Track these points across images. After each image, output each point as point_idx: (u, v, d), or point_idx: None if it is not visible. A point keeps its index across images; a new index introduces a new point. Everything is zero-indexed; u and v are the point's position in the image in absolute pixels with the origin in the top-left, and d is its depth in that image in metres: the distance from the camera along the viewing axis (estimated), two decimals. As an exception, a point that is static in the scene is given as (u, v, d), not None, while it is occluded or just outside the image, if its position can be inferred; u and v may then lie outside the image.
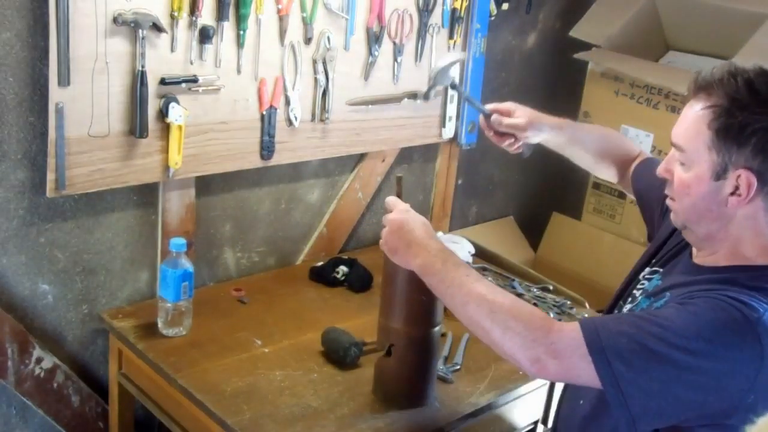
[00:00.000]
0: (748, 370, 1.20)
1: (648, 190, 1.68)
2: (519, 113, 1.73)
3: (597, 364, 1.22)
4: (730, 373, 1.20)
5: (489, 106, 1.76)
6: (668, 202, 1.39)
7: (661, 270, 1.48)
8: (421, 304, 1.58)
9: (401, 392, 1.66)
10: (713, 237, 1.33)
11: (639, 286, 1.49)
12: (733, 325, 1.20)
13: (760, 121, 1.23)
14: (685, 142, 1.30)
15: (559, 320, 2.07)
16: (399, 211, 1.50)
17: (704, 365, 1.20)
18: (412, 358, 1.63)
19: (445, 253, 1.42)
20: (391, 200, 1.55)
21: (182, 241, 1.81)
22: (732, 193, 1.27)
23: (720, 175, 1.27)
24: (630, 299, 1.49)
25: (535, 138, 1.75)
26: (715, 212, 1.30)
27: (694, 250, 1.42)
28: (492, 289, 1.35)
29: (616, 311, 1.54)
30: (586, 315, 2.15)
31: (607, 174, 1.86)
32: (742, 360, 1.20)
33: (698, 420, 1.25)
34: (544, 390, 1.92)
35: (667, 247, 1.53)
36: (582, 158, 1.85)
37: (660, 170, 1.38)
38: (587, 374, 1.23)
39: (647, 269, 1.53)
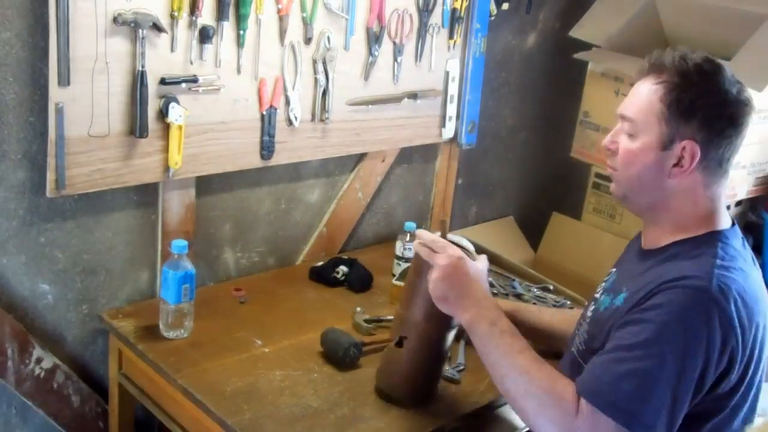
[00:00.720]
0: (725, 331, 1.28)
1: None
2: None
3: (619, 419, 1.28)
4: (713, 344, 1.28)
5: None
6: (610, 172, 1.48)
7: (615, 269, 1.56)
8: None
9: (405, 387, 1.65)
10: (654, 206, 1.42)
11: (598, 289, 1.55)
12: (693, 303, 1.28)
13: (707, 97, 1.35)
14: (635, 113, 1.40)
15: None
16: (451, 257, 1.48)
17: (692, 349, 1.27)
18: (423, 355, 1.62)
19: (495, 314, 1.45)
20: (441, 243, 1.52)
21: (183, 242, 1.81)
22: (675, 165, 1.37)
23: (667, 145, 1.37)
24: (593, 302, 1.53)
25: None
26: (657, 182, 1.39)
27: (642, 238, 1.49)
28: (531, 365, 1.38)
29: (581, 319, 1.57)
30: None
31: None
32: (715, 329, 1.28)
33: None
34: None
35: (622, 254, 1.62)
36: (550, 342, 1.77)
37: (605, 142, 1.47)
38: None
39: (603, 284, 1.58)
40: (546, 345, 1.74)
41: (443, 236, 1.60)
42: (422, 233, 1.56)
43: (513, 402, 1.40)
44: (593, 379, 1.32)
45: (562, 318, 1.81)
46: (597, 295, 1.54)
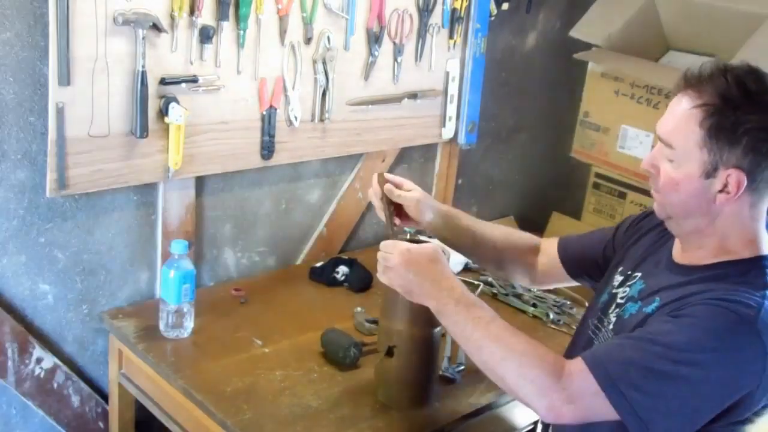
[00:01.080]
0: (755, 367, 1.22)
1: (586, 258, 1.69)
2: (409, 186, 1.68)
3: (613, 399, 1.23)
4: (739, 375, 1.22)
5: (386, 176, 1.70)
6: (654, 195, 1.39)
7: (639, 274, 1.48)
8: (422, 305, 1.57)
9: (404, 394, 1.66)
10: (700, 231, 1.35)
11: (621, 294, 1.48)
12: (732, 328, 1.22)
13: (752, 120, 1.23)
14: (675, 140, 1.30)
15: (559, 321, 2.10)
16: (400, 253, 1.46)
17: (714, 374, 1.21)
18: (415, 358, 1.63)
19: (457, 292, 1.41)
20: (387, 244, 1.51)
21: (184, 243, 1.81)
22: (720, 190, 1.28)
23: (710, 173, 1.27)
24: (615, 308, 1.47)
25: (423, 216, 1.68)
26: (703, 208, 1.31)
27: (675, 249, 1.43)
28: (504, 331, 1.34)
29: (597, 321, 1.52)
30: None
31: (516, 272, 1.78)
32: (746, 359, 1.22)
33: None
34: (544, 390, 1.92)
35: (634, 253, 1.54)
36: (481, 251, 1.75)
37: (645, 164, 1.39)
38: (605, 411, 1.24)
39: (617, 276, 1.53)
40: (474, 254, 1.76)
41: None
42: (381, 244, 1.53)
43: (492, 371, 1.34)
44: (604, 353, 1.28)
45: (494, 229, 1.78)
46: (619, 299, 1.47)
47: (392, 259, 1.47)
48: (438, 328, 1.63)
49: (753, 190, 1.28)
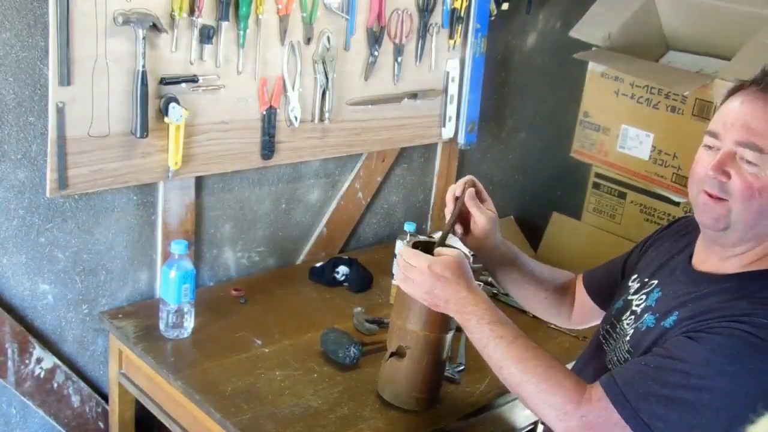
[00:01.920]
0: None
1: (610, 281, 1.66)
2: (490, 206, 1.66)
3: (636, 430, 1.23)
4: (756, 386, 1.21)
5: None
6: (711, 202, 1.30)
7: (656, 281, 1.45)
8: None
9: (413, 395, 1.64)
10: (761, 235, 1.30)
11: (636, 302, 1.46)
12: (751, 352, 1.20)
13: None
14: (762, 142, 1.23)
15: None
16: (423, 270, 1.44)
17: (735, 398, 1.20)
18: (427, 360, 1.60)
19: (481, 308, 1.41)
20: (408, 253, 1.48)
21: (184, 243, 1.81)
22: None
23: None
24: (630, 315, 1.45)
25: (490, 240, 1.64)
26: None
27: (695, 257, 1.40)
28: (525, 352, 1.34)
29: (609, 327, 1.51)
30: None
31: (555, 310, 1.75)
32: (765, 374, 1.20)
33: None
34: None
35: (649, 260, 1.52)
36: (526, 284, 1.72)
37: (715, 169, 1.28)
38: None
39: (634, 285, 1.51)
40: (518, 292, 1.72)
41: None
42: (403, 250, 1.51)
43: (513, 390, 1.37)
44: (624, 381, 1.26)
45: (544, 269, 1.76)
46: (634, 307, 1.46)
47: (415, 275, 1.45)
48: (451, 332, 1.61)
49: None
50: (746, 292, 1.27)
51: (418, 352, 1.59)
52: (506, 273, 1.70)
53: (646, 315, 1.40)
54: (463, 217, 1.63)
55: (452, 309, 1.44)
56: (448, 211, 1.63)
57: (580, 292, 1.73)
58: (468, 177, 1.65)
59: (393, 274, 2.23)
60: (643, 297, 1.45)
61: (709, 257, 1.37)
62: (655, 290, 1.44)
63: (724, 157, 1.28)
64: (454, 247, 1.56)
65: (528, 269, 1.71)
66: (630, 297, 1.49)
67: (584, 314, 1.73)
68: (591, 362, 1.55)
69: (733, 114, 1.28)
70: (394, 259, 2.24)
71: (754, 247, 1.32)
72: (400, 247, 2.23)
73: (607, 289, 1.66)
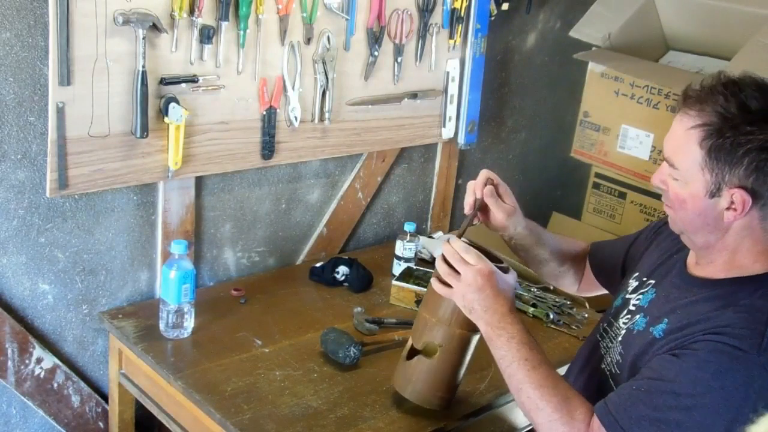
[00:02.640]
0: (758, 384, 1.22)
1: (606, 261, 1.71)
2: (509, 199, 1.66)
3: None
4: (751, 406, 1.22)
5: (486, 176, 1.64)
6: (665, 209, 1.39)
7: (653, 282, 1.47)
8: None
9: (438, 394, 1.60)
10: (711, 246, 1.34)
11: (633, 302, 1.48)
12: (735, 366, 1.22)
13: (752, 141, 1.21)
14: (676, 160, 1.30)
15: (559, 321, 2.10)
16: (482, 270, 1.44)
17: (724, 410, 1.22)
18: (458, 360, 1.58)
19: (516, 328, 1.42)
20: (473, 253, 1.47)
21: (184, 243, 1.81)
22: (728, 208, 1.27)
23: (714, 193, 1.27)
24: (626, 314, 1.48)
25: (509, 230, 1.66)
26: (711, 225, 1.31)
27: (689, 260, 1.42)
28: (545, 380, 1.37)
29: (606, 325, 1.54)
30: (586, 315, 2.15)
31: (567, 280, 1.80)
32: (756, 391, 1.22)
33: None
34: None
35: (650, 258, 1.54)
36: (544, 260, 1.76)
37: (655, 181, 1.38)
38: None
39: (632, 281, 1.53)
40: (542, 269, 1.77)
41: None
42: (455, 242, 1.49)
43: (526, 414, 1.40)
44: (617, 408, 1.29)
45: (562, 242, 1.80)
46: (631, 306, 1.47)
47: (467, 273, 1.44)
48: (479, 333, 1.57)
49: (761, 206, 1.27)
50: (732, 300, 1.29)
51: (450, 350, 1.56)
52: (528, 254, 1.73)
53: (637, 316, 1.43)
54: (484, 207, 1.64)
55: (486, 319, 1.44)
56: (468, 204, 1.63)
57: (586, 264, 1.77)
58: (486, 173, 1.64)
59: (393, 274, 2.23)
60: (640, 297, 1.47)
61: (700, 262, 1.40)
62: (650, 291, 1.46)
63: (662, 169, 1.35)
64: (495, 254, 1.57)
65: (549, 249, 1.73)
66: (628, 296, 1.51)
67: (589, 285, 1.78)
68: (588, 365, 1.56)
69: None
70: (394, 260, 2.24)
71: (727, 255, 1.33)
72: (400, 247, 2.23)
73: (608, 269, 1.70)
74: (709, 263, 1.36)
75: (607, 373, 1.46)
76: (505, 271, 1.51)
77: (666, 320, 1.35)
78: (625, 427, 1.27)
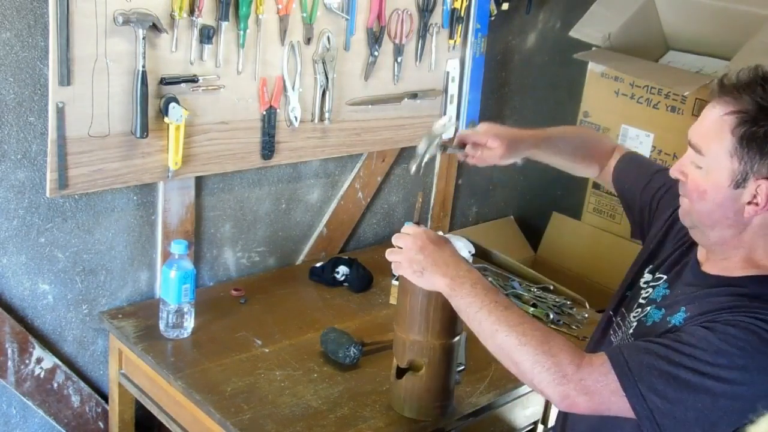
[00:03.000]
0: None
1: (633, 191, 1.65)
2: (492, 142, 1.64)
3: (631, 399, 1.21)
4: (762, 384, 1.20)
5: (462, 134, 1.68)
6: (681, 201, 1.36)
7: (665, 276, 1.45)
8: (449, 312, 1.48)
9: (436, 404, 1.61)
10: (726, 242, 1.31)
11: (644, 294, 1.46)
12: (764, 348, 1.19)
13: None
14: (705, 145, 1.27)
15: (559, 321, 2.10)
16: (415, 229, 1.44)
17: (739, 391, 1.19)
18: (445, 369, 1.59)
19: (475, 274, 1.38)
20: (409, 228, 1.47)
21: (184, 243, 1.81)
22: (749, 202, 1.25)
23: (739, 183, 1.24)
24: (637, 307, 1.45)
25: (513, 158, 1.70)
26: (730, 219, 1.28)
27: (700, 256, 1.39)
28: (522, 318, 1.31)
29: (619, 319, 1.51)
30: (586, 315, 2.15)
31: (585, 172, 1.81)
32: None
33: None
34: (544, 390, 1.92)
35: (665, 250, 1.51)
36: (559, 163, 1.79)
37: (673, 171, 1.35)
38: (620, 408, 1.23)
39: (647, 274, 1.50)
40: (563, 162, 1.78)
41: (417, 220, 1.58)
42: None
43: (506, 357, 1.30)
44: (629, 353, 1.24)
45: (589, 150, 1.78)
46: (642, 301, 1.45)
47: (406, 240, 1.43)
48: (459, 335, 1.59)
49: None
50: (759, 293, 1.26)
51: (435, 363, 1.56)
52: (552, 158, 1.77)
53: (650, 308, 1.40)
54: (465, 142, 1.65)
55: (440, 272, 1.38)
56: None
57: (609, 171, 1.73)
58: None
59: (393, 274, 2.23)
60: (650, 290, 1.45)
61: (712, 259, 1.37)
62: (662, 285, 1.43)
63: (684, 158, 1.32)
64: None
65: (568, 157, 1.77)
66: (641, 286, 1.48)
67: (606, 181, 1.77)
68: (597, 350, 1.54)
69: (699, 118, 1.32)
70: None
71: (744, 253, 1.31)
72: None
73: (627, 195, 1.67)
74: (723, 259, 1.33)
75: None
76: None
77: (683, 308, 1.32)
78: (633, 370, 1.21)
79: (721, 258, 1.33)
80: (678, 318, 1.31)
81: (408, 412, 1.62)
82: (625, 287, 1.56)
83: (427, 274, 1.40)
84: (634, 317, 1.44)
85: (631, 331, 1.42)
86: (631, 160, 1.72)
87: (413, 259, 1.42)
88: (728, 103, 1.24)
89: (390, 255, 1.46)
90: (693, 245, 1.43)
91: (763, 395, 1.20)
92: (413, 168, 1.60)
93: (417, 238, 1.43)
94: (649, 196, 1.60)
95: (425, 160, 1.60)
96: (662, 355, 1.22)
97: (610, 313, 1.56)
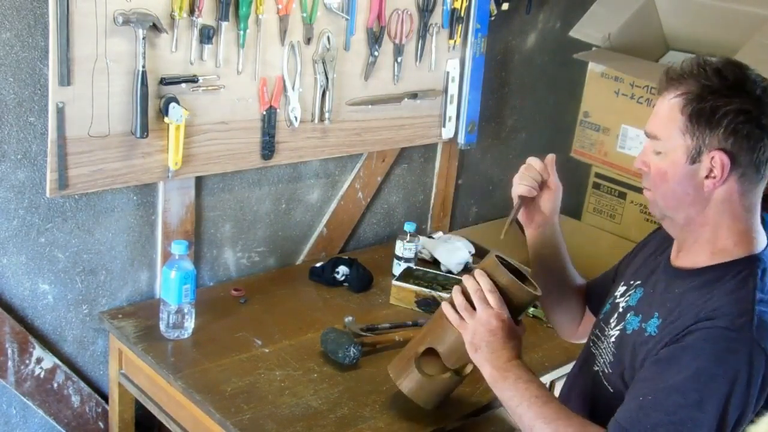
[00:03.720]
0: (758, 361, 1.23)
1: (599, 290, 1.68)
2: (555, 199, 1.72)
3: None
4: (755, 385, 1.23)
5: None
6: (645, 194, 1.42)
7: (639, 282, 1.49)
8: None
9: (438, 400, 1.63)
10: (693, 222, 1.35)
11: (622, 304, 1.48)
12: (735, 345, 1.23)
13: (730, 104, 1.27)
14: (659, 130, 1.34)
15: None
16: (499, 315, 1.45)
17: (732, 388, 1.22)
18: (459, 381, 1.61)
19: (521, 371, 1.42)
20: (495, 296, 1.46)
21: (184, 243, 1.81)
22: (707, 176, 1.30)
23: (695, 158, 1.30)
24: (616, 317, 1.48)
25: (539, 229, 1.72)
26: (691, 195, 1.33)
27: (672, 254, 1.43)
28: (558, 414, 1.36)
29: (597, 331, 1.53)
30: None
31: (567, 317, 1.76)
32: (758, 370, 1.23)
33: None
34: (544, 390, 1.92)
35: (635, 264, 1.56)
36: (554, 282, 1.71)
37: (637, 163, 1.41)
38: None
39: (621, 288, 1.53)
40: (557, 286, 1.71)
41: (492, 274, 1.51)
42: (482, 278, 1.48)
43: None
44: (630, 422, 1.28)
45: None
46: (620, 309, 1.48)
47: (483, 312, 1.45)
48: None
49: (740, 176, 1.30)
50: (717, 285, 1.31)
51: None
52: (542, 264, 1.72)
53: (629, 315, 1.43)
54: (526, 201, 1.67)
55: (492, 362, 1.44)
56: (522, 188, 1.67)
57: (584, 301, 1.75)
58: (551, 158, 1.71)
59: (394, 274, 2.23)
60: (627, 298, 1.48)
61: (683, 249, 1.41)
62: (637, 290, 1.47)
63: (644, 149, 1.40)
64: (522, 270, 1.57)
65: (562, 265, 1.73)
66: (617, 300, 1.52)
67: (587, 325, 1.72)
68: (582, 369, 1.56)
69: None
70: (394, 260, 2.23)
71: (710, 233, 1.35)
72: (400, 247, 2.23)
73: (601, 296, 1.66)
74: (693, 244, 1.37)
75: (600, 374, 1.47)
76: (520, 319, 1.50)
77: (657, 314, 1.36)
78: None
79: (692, 242, 1.38)
80: (652, 326, 1.35)
81: (432, 409, 1.62)
82: (601, 308, 1.58)
83: (480, 353, 1.45)
84: (614, 326, 1.46)
85: (612, 339, 1.45)
86: (591, 280, 1.76)
87: (477, 335, 1.45)
88: (675, 89, 1.32)
89: (464, 311, 1.47)
90: (664, 251, 1.47)
91: (756, 376, 1.23)
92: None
93: (496, 319, 1.44)
94: (615, 270, 1.68)
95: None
96: (656, 406, 1.26)
97: (591, 334, 1.58)
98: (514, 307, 1.48)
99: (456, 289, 1.51)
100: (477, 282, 1.48)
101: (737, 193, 1.32)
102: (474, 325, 1.46)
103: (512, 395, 1.41)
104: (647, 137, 1.38)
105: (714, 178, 1.30)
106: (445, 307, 1.51)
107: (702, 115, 1.29)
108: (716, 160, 1.28)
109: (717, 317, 1.25)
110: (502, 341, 1.44)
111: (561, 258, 1.72)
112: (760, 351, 1.23)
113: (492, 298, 1.46)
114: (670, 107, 1.32)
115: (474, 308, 1.46)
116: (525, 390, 1.39)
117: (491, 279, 1.48)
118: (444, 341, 1.54)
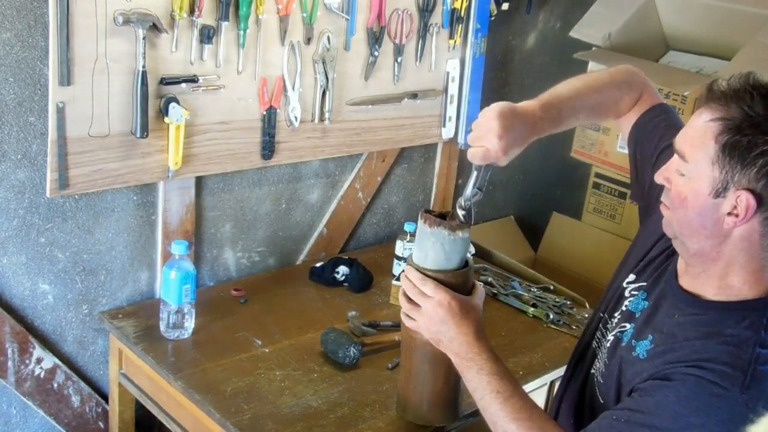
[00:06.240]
0: (740, 423, 1.19)
1: (645, 165, 1.55)
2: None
3: None
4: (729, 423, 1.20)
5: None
6: (662, 210, 1.33)
7: (645, 284, 1.44)
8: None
9: (453, 405, 1.61)
10: (705, 254, 1.28)
11: (626, 303, 1.46)
12: (718, 402, 1.19)
13: None
14: (688, 151, 1.24)
15: (559, 321, 2.10)
16: (440, 302, 1.41)
17: None
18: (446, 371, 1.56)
19: (482, 357, 1.39)
20: (424, 281, 1.44)
21: (184, 243, 1.81)
22: (729, 213, 1.21)
23: (720, 192, 1.21)
24: (619, 314, 1.45)
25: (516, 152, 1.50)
26: (709, 230, 1.24)
27: (680, 267, 1.37)
28: (519, 412, 1.34)
29: (604, 325, 1.51)
30: (586, 315, 2.15)
31: (608, 120, 1.66)
32: (733, 423, 1.19)
33: None
34: (544, 390, 1.92)
35: (652, 253, 1.49)
36: (580, 117, 1.63)
37: (658, 177, 1.32)
38: None
39: (632, 276, 1.49)
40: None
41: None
42: (411, 273, 1.45)
43: None
44: None
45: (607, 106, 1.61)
46: (624, 306, 1.44)
47: (428, 306, 1.42)
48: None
49: (765, 218, 1.20)
50: (718, 328, 1.26)
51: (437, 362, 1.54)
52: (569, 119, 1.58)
53: (628, 324, 1.40)
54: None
55: (453, 350, 1.42)
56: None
57: (626, 129, 1.60)
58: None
59: (393, 274, 2.23)
60: (633, 298, 1.45)
61: (690, 273, 1.34)
62: (641, 295, 1.43)
63: (669, 164, 1.29)
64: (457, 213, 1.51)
65: (582, 118, 1.61)
66: (624, 287, 1.48)
67: (623, 136, 1.64)
68: (579, 366, 1.55)
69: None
70: (394, 260, 2.24)
71: (721, 268, 1.28)
72: (400, 247, 2.23)
73: (639, 164, 1.56)
74: (701, 272, 1.30)
75: (594, 380, 1.45)
76: (470, 288, 1.47)
77: (650, 337, 1.32)
78: None
79: (699, 271, 1.31)
80: (642, 348, 1.32)
81: (433, 420, 1.61)
82: (610, 288, 1.54)
83: (443, 344, 1.44)
84: (613, 332, 1.44)
85: (608, 344, 1.43)
86: (654, 125, 1.56)
87: (431, 329, 1.44)
88: (715, 110, 1.21)
89: (411, 312, 1.45)
90: (673, 253, 1.41)
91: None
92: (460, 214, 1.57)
93: (439, 307, 1.41)
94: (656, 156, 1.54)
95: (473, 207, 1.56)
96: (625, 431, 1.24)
97: (600, 314, 1.55)
98: (456, 283, 1.45)
99: (399, 294, 1.48)
100: (408, 279, 1.45)
101: (758, 234, 1.22)
102: (424, 321, 1.44)
103: (476, 387, 1.39)
104: (675, 152, 1.27)
105: (736, 216, 1.20)
106: (402, 317, 1.49)
107: (737, 148, 1.17)
108: (742, 199, 1.19)
109: (709, 369, 1.21)
110: (455, 326, 1.41)
111: (573, 114, 1.58)
112: (744, 412, 1.18)
113: (427, 288, 1.43)
114: (704, 130, 1.21)
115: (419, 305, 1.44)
116: (488, 383, 1.37)
117: (419, 270, 1.45)
118: (420, 350, 1.52)
